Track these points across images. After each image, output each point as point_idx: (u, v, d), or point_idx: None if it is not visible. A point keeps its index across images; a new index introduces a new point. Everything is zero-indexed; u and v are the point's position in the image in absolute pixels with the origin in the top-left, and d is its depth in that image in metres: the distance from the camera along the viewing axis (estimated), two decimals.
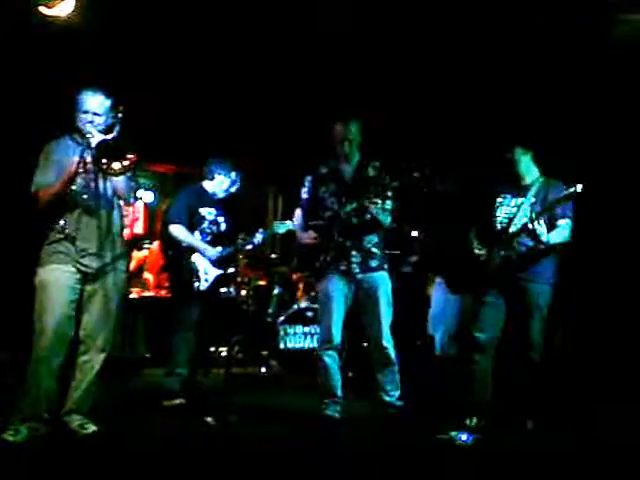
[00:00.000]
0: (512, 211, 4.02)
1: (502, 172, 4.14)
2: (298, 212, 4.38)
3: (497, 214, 4.09)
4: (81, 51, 4.88)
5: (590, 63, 4.91)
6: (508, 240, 3.94)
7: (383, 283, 4.16)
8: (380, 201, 4.02)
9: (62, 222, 3.44)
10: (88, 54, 4.89)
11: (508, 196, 4.09)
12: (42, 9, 4.34)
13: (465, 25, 4.97)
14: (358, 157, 4.26)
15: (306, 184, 4.33)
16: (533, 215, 3.80)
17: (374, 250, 4.17)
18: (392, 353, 4.10)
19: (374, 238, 4.19)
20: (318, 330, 5.64)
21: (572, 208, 3.90)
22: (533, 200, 3.97)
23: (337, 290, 4.14)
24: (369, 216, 4.07)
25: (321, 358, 4.15)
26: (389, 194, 4.14)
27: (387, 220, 4.17)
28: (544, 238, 3.79)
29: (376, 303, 4.11)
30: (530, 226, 3.77)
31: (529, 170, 4.05)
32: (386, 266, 4.22)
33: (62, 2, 4.32)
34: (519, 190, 4.05)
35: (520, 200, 4.01)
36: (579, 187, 3.65)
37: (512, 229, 3.95)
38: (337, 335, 4.14)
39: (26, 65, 4.94)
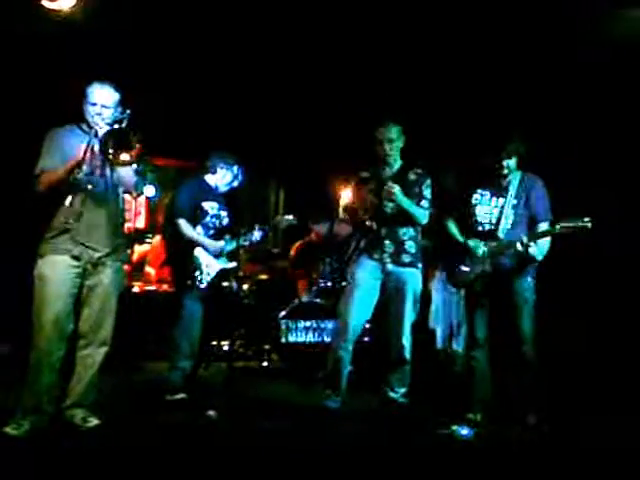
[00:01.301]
0: (493, 212, 3.98)
1: (478, 168, 4.11)
2: (341, 214, 4.42)
3: (476, 212, 4.03)
4: (83, 44, 4.86)
5: (586, 60, 4.90)
6: (497, 252, 3.92)
7: (413, 281, 4.17)
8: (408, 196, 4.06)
9: (68, 201, 3.40)
10: (90, 47, 4.88)
11: (487, 194, 4.03)
12: (44, 2, 4.33)
13: (461, 24, 4.96)
14: (400, 163, 4.27)
15: (350, 189, 4.37)
16: (525, 240, 3.78)
17: (409, 244, 4.18)
18: (408, 352, 4.12)
19: (410, 231, 4.20)
20: (320, 325, 5.70)
21: (551, 209, 3.91)
22: (515, 202, 3.94)
23: (367, 279, 4.13)
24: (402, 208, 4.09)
25: (335, 351, 4.14)
26: (427, 196, 4.19)
27: (423, 218, 4.19)
28: (539, 258, 3.82)
29: (403, 300, 4.12)
30: (523, 250, 3.77)
31: (508, 168, 3.99)
32: (420, 265, 4.21)
33: None
34: (498, 188, 4.00)
35: (501, 200, 3.97)
36: (589, 223, 3.59)
37: (501, 234, 3.92)
38: (357, 327, 4.13)
39: (28, 58, 4.93)
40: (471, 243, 4.00)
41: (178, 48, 5.35)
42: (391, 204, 4.10)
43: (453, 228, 4.13)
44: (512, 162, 3.95)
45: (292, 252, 6.84)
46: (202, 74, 5.76)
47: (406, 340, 4.12)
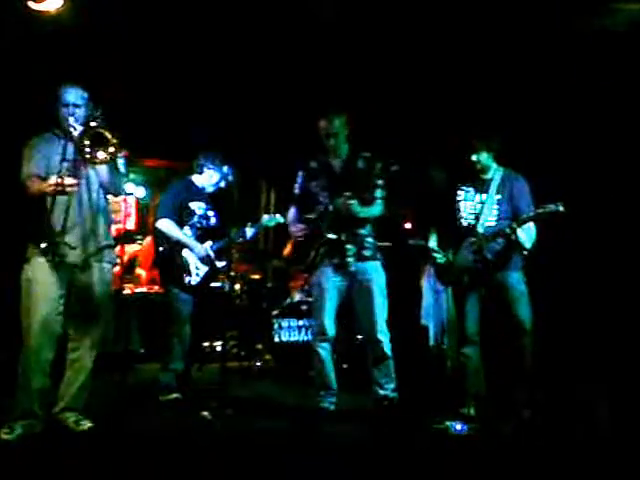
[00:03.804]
0: (477, 207, 4.03)
1: (461, 165, 4.12)
2: (291, 209, 4.38)
3: (461, 209, 4.08)
4: (70, 46, 4.84)
5: (577, 53, 4.90)
6: (481, 243, 3.95)
7: (377, 275, 4.15)
8: (357, 198, 4.02)
9: (50, 206, 3.38)
10: (77, 48, 4.86)
11: (471, 190, 4.08)
12: (31, 4, 4.31)
13: (447, 19, 4.96)
14: (347, 150, 4.25)
15: (298, 179, 4.34)
16: (514, 225, 3.82)
17: (367, 239, 4.17)
18: (387, 347, 4.09)
19: (367, 228, 4.18)
20: (312, 323, 5.69)
21: (534, 200, 3.95)
22: (499, 197, 3.99)
23: (330, 282, 4.14)
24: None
25: (315, 350, 4.16)
26: (379, 182, 4.15)
27: (379, 212, 4.18)
28: (528, 245, 3.85)
29: (370, 296, 4.10)
30: (513, 237, 3.81)
31: (488, 163, 4.04)
32: (379, 256, 4.22)
33: None
34: (481, 184, 4.05)
35: (484, 196, 4.01)
36: (561, 207, 3.69)
37: (480, 229, 3.97)
38: (331, 327, 4.14)
39: (12, 60, 4.90)
40: (436, 254, 4.16)
41: (167, 49, 5.33)
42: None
43: (433, 241, 4.24)
44: (483, 157, 4.00)
45: (287, 250, 6.83)
46: (193, 75, 5.74)
47: (383, 335, 4.08)
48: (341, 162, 4.23)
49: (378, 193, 4.14)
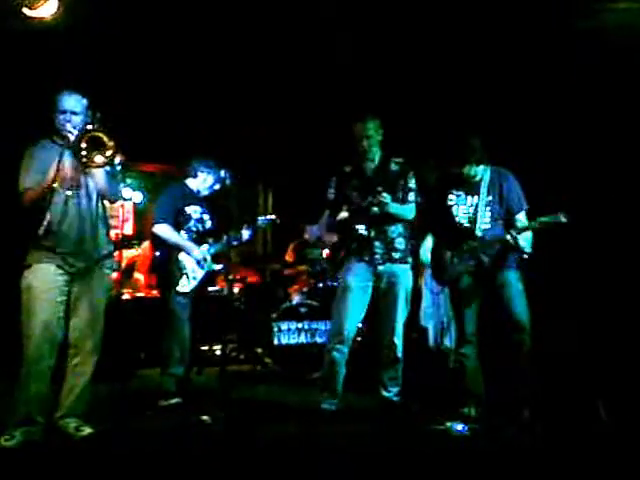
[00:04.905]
0: (470, 211, 4.02)
1: (448, 169, 4.13)
2: (325, 214, 4.40)
3: (455, 214, 4.07)
4: (65, 51, 4.84)
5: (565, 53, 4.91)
6: (479, 248, 3.96)
7: (405, 278, 4.19)
8: (390, 195, 4.07)
9: (47, 217, 3.38)
10: (72, 54, 4.86)
11: (462, 194, 4.07)
12: (25, 10, 4.30)
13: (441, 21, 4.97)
14: (380, 154, 4.27)
15: (331, 184, 4.37)
16: (514, 233, 3.83)
17: (398, 240, 4.19)
18: (400, 351, 4.12)
19: (398, 228, 4.20)
20: (312, 326, 5.70)
21: (525, 197, 3.97)
22: (490, 198, 3.99)
23: (358, 281, 4.14)
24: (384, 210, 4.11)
25: (329, 352, 4.15)
26: (412, 186, 4.21)
27: (411, 213, 4.22)
28: (528, 249, 3.87)
29: (395, 299, 4.13)
30: (513, 243, 3.82)
31: (475, 171, 4.03)
32: (409, 259, 4.23)
33: (45, 3, 4.27)
34: (470, 187, 4.04)
35: (475, 199, 4.01)
36: (563, 217, 3.68)
37: (479, 233, 3.97)
38: (351, 329, 4.14)
39: (8, 66, 4.90)
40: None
41: (163, 54, 5.34)
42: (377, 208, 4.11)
43: (427, 244, 4.35)
44: (469, 168, 3.99)
45: (289, 255, 6.81)
46: (189, 78, 5.75)
47: (398, 339, 4.13)
48: (374, 166, 4.26)
49: (411, 197, 4.20)
